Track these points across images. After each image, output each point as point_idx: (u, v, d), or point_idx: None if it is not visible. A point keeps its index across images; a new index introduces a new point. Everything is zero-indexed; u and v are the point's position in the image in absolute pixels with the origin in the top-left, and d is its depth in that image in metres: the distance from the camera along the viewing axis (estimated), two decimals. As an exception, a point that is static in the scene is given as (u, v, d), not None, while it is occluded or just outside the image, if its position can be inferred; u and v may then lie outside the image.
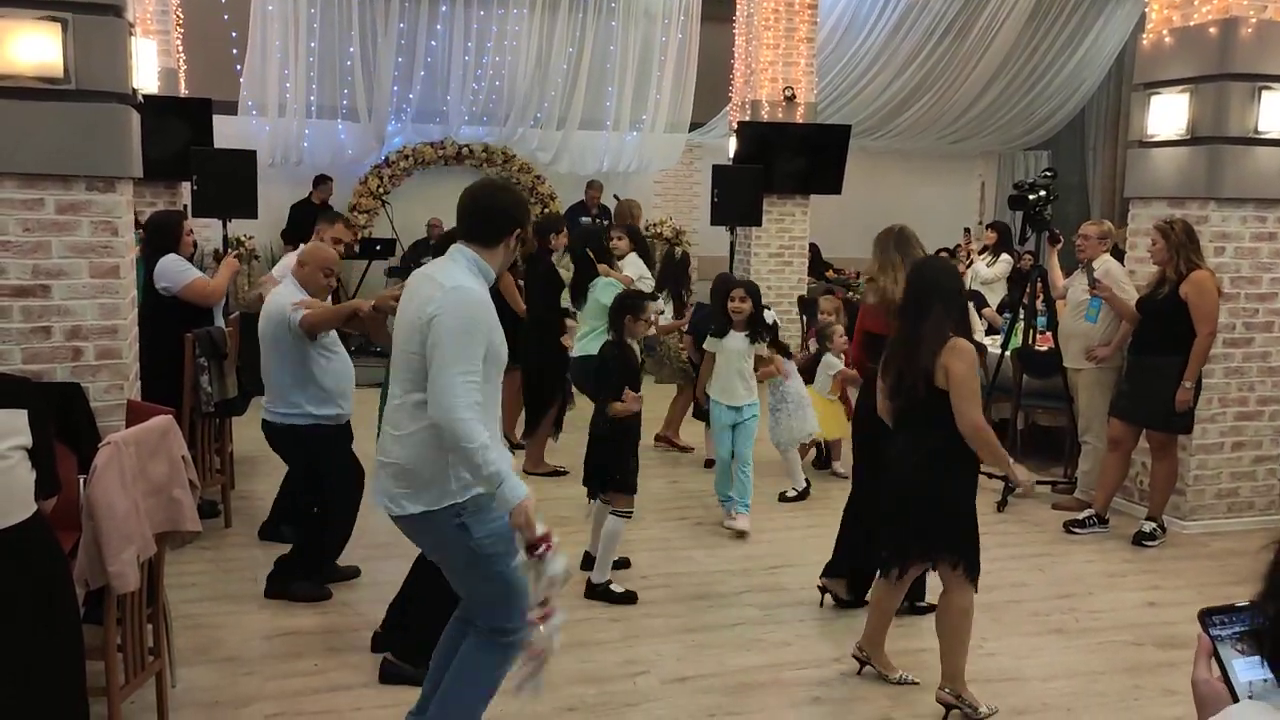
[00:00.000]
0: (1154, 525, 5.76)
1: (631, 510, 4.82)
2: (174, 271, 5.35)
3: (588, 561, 4.88)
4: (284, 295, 4.52)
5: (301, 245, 5.41)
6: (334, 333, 4.56)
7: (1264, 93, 5.64)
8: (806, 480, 6.47)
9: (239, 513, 5.63)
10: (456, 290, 2.90)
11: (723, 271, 8.31)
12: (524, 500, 2.76)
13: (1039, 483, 6.25)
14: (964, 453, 3.61)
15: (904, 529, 3.74)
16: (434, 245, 7.20)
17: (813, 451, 7.12)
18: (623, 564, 5.02)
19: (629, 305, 4.91)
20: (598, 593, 4.70)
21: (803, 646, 4.34)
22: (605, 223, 10.83)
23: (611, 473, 4.75)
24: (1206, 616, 1.27)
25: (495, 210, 3.06)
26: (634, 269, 6.86)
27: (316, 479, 4.65)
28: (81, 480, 3.21)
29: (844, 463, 6.75)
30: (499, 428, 3.08)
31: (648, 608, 4.66)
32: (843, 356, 6.52)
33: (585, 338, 6.20)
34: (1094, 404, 6.14)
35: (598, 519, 4.86)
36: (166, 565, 3.56)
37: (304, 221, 10.40)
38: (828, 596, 4.74)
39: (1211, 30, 5.65)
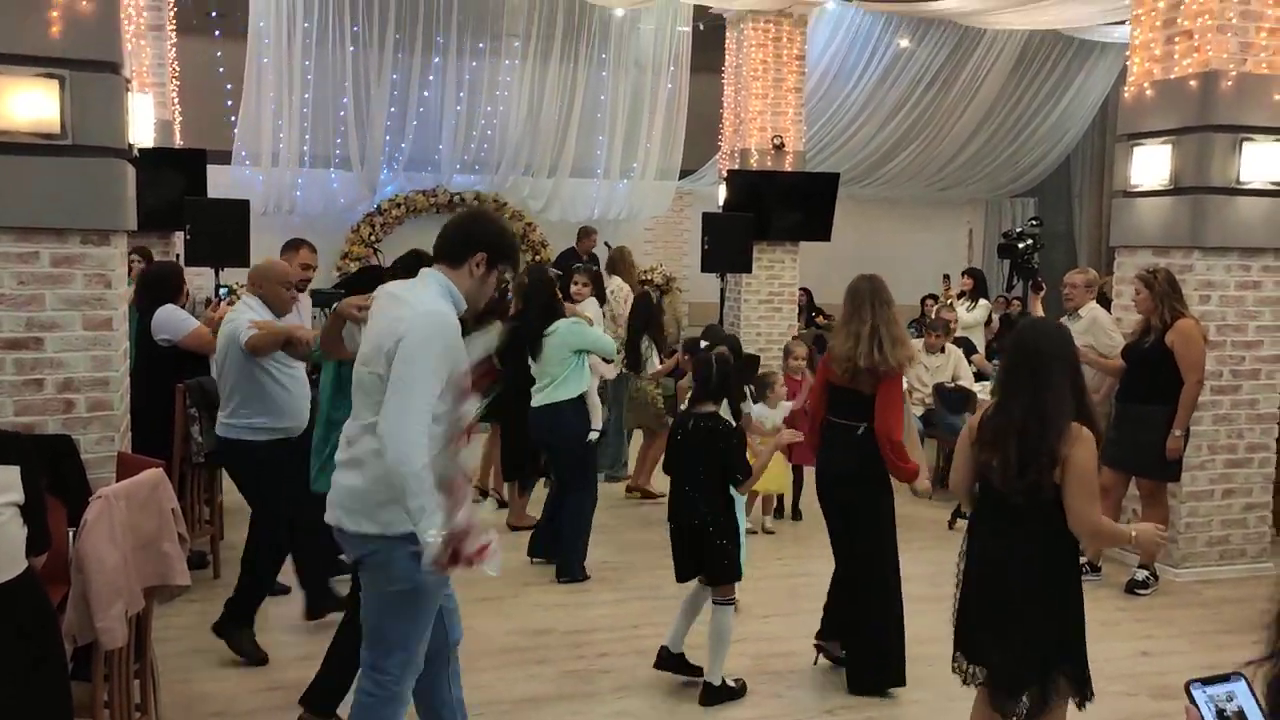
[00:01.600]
0: (1146, 573, 5.76)
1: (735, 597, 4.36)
2: (175, 322, 5.38)
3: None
4: (242, 313, 4.63)
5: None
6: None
7: (1245, 144, 5.74)
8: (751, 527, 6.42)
9: (228, 564, 5.57)
10: (429, 315, 2.87)
11: (711, 324, 8.34)
12: (437, 543, 2.71)
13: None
14: (1074, 552, 3.21)
15: (1019, 653, 3.15)
16: (394, 264, 7.07)
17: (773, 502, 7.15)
18: None
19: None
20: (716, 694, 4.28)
21: (793, 699, 4.32)
22: (595, 269, 10.90)
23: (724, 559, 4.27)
24: (1192, 687, 1.28)
25: (463, 230, 3.07)
26: (592, 311, 6.85)
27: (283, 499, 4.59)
28: (71, 533, 3.20)
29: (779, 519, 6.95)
30: (450, 459, 2.97)
31: (639, 658, 4.62)
32: (786, 406, 6.53)
33: (545, 388, 5.85)
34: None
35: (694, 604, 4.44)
36: (154, 618, 3.53)
37: None
38: (822, 656, 4.70)
39: (1192, 83, 5.76)
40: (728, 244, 9.75)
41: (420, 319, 2.85)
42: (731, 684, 4.34)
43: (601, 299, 7.08)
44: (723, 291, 10.29)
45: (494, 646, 4.81)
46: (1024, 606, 3.11)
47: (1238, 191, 5.80)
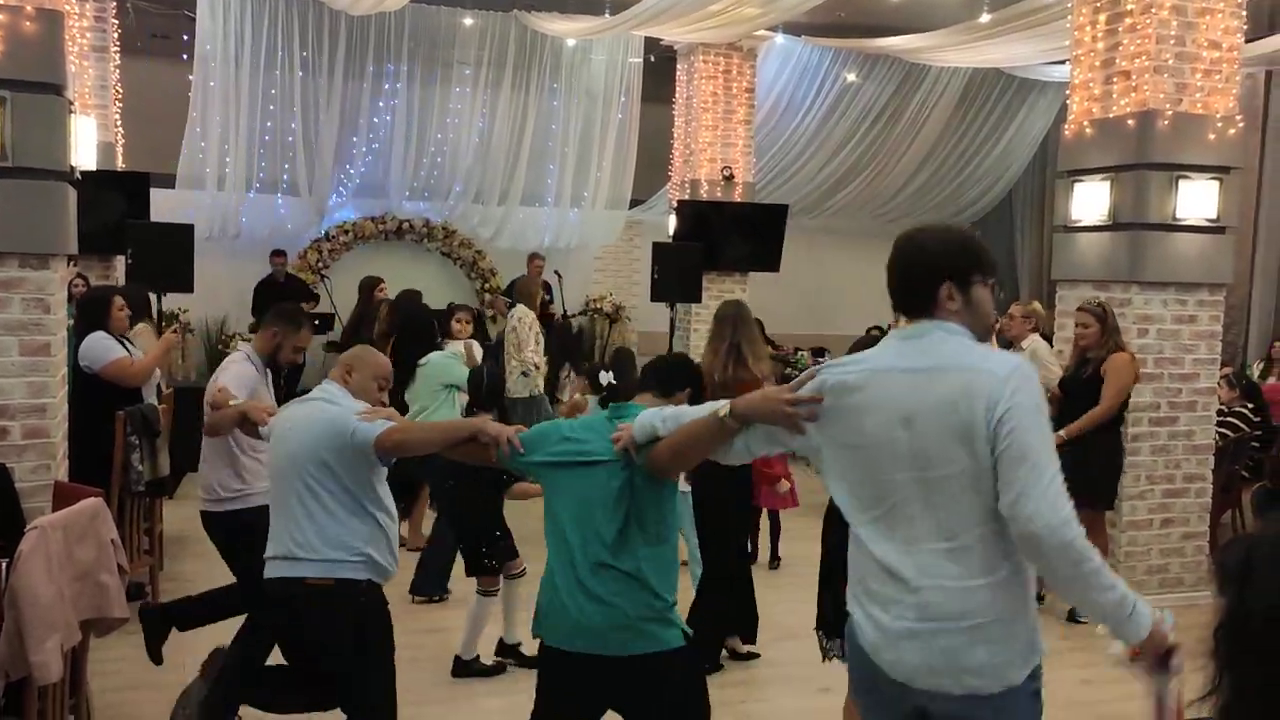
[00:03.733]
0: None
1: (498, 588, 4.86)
2: (97, 350, 5.21)
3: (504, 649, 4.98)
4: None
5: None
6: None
7: (1181, 181, 5.91)
8: None
9: (167, 594, 5.44)
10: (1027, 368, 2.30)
11: (620, 347, 8.38)
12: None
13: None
14: None
15: None
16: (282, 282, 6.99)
17: None
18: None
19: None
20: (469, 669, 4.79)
21: None
22: (547, 298, 10.90)
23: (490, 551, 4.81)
24: None
25: None
26: (475, 352, 6.84)
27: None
28: (4, 565, 3.10)
29: None
30: None
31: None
32: None
33: (415, 419, 5.87)
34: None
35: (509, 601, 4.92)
36: (90, 651, 3.43)
37: (270, 298, 10.38)
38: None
39: (1130, 122, 5.93)
40: (677, 274, 9.79)
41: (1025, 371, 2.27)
42: (487, 663, 4.81)
43: (483, 338, 7.07)
44: (673, 321, 10.32)
45: (443, 677, 4.76)
46: None
47: (1174, 228, 5.96)
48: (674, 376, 3.11)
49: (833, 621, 3.55)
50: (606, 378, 6.09)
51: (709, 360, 4.94)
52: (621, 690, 2.75)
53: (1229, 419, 7.13)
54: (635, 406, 2.85)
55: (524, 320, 8.42)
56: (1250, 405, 7.43)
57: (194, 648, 4.58)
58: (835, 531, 3.45)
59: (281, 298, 10.41)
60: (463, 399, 6.16)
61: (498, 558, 4.81)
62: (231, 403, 3.80)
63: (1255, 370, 9.53)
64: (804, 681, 4.68)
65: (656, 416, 2.65)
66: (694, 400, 2.98)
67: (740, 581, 5.02)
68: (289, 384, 6.53)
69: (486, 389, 4.79)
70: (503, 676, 4.85)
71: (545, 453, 2.85)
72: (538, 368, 7.85)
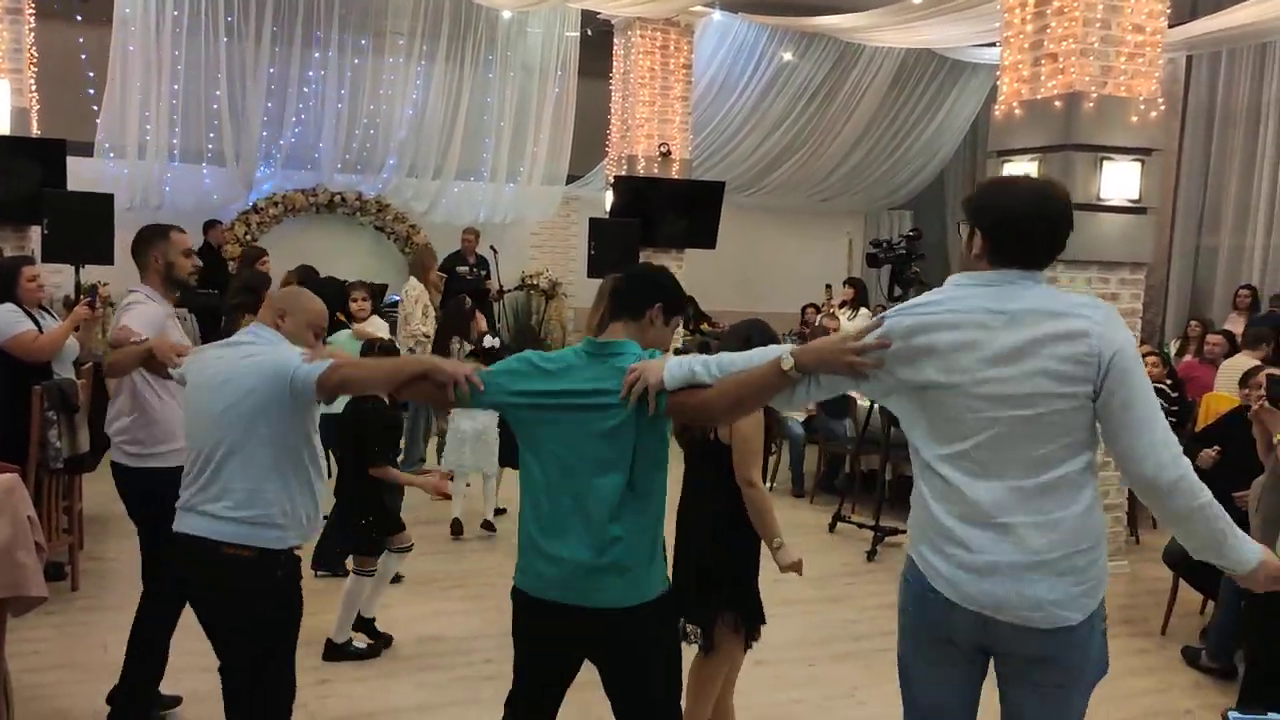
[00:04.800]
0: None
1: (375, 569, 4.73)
2: (2, 323, 4.98)
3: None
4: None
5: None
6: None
7: (1105, 162, 6.04)
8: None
9: (88, 575, 5.32)
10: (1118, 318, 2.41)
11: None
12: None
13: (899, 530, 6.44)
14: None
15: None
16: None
17: None
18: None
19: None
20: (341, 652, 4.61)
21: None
22: (483, 272, 10.81)
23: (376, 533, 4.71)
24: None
25: None
26: (378, 329, 6.83)
27: None
28: (-87, 544, 2.99)
29: None
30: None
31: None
32: None
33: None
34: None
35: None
36: (8, 632, 3.33)
37: (206, 268, 10.07)
38: None
39: (1057, 103, 6.04)
40: (614, 250, 9.78)
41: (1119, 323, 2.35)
42: (359, 645, 4.65)
43: (383, 314, 7.02)
44: (608, 297, 10.30)
45: (385, 654, 4.72)
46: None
47: (1098, 208, 6.10)
48: (640, 294, 2.70)
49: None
50: (491, 342, 6.02)
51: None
52: (598, 641, 2.65)
53: (1148, 395, 7.33)
54: (621, 343, 2.61)
55: (410, 294, 8.37)
56: (1169, 381, 7.66)
57: (116, 624, 4.49)
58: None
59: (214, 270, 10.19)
60: None
61: (374, 535, 4.69)
62: (135, 341, 3.47)
63: (1173, 349, 9.82)
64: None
65: (695, 363, 2.47)
66: (669, 310, 2.70)
67: None
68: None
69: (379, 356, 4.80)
70: (377, 660, 4.68)
71: (518, 389, 2.60)
72: (429, 337, 7.87)
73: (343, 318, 6.22)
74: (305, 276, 7.22)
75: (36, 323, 5.13)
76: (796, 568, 3.44)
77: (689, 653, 3.61)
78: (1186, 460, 2.27)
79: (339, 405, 5.47)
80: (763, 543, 3.39)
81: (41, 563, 3.26)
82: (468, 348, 6.85)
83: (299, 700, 4.16)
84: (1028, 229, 2.35)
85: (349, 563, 4.87)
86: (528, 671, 2.77)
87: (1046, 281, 2.39)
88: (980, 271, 2.37)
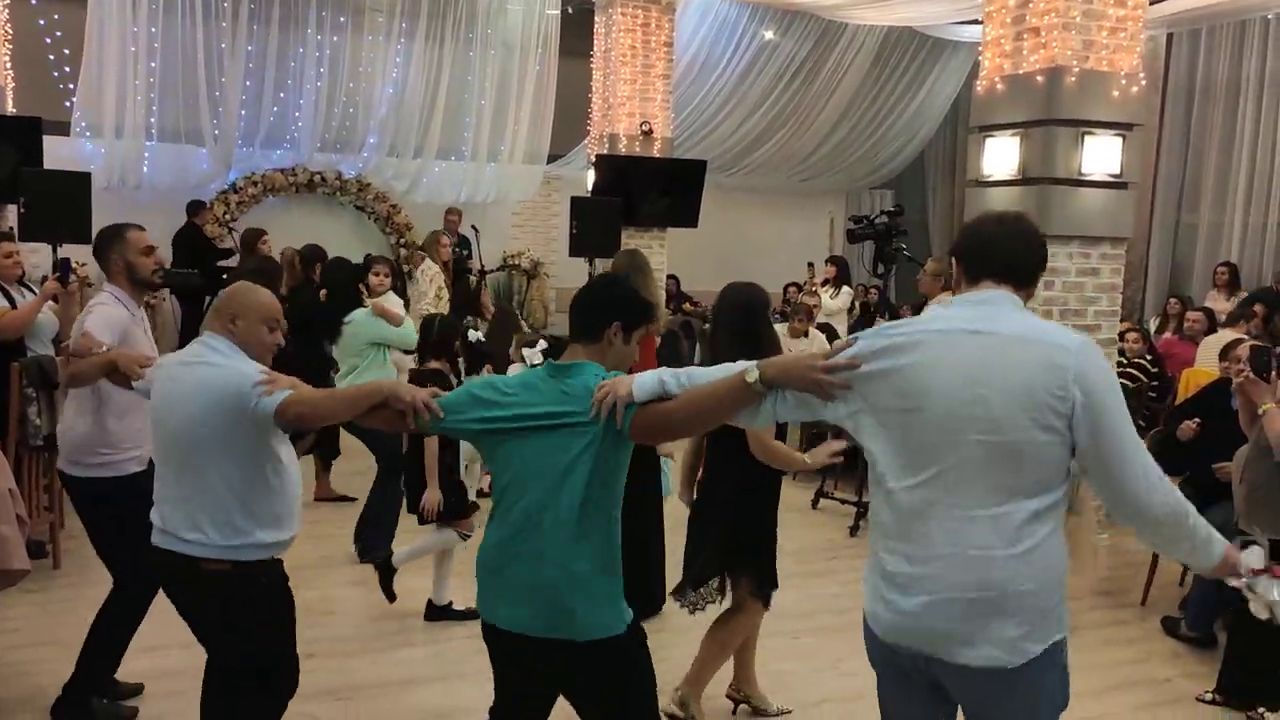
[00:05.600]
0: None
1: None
2: None
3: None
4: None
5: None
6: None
7: (1086, 137, 6.06)
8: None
9: (69, 554, 5.29)
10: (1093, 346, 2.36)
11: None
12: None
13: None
14: (754, 473, 3.83)
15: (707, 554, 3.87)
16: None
17: None
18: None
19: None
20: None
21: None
22: (465, 252, 10.75)
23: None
24: None
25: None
26: (393, 305, 6.80)
27: None
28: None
29: None
30: None
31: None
32: None
33: (346, 376, 5.85)
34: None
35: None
36: (-11, 610, 3.31)
37: (193, 249, 10.02)
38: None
39: (1039, 78, 6.05)
40: (596, 229, 9.73)
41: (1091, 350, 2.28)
42: (458, 608, 4.81)
43: (402, 291, 7.01)
44: (591, 276, 10.29)
45: (365, 631, 4.71)
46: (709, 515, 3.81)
47: (1079, 183, 6.12)
48: (594, 314, 2.65)
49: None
50: (475, 335, 6.04)
51: None
52: (567, 674, 2.59)
53: (1129, 369, 7.39)
54: (580, 365, 2.57)
55: (425, 274, 8.37)
56: (1149, 357, 7.72)
57: (98, 602, 4.46)
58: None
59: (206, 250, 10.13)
60: (395, 355, 6.18)
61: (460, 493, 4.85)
62: (97, 350, 3.28)
63: (1152, 325, 9.89)
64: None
65: (664, 374, 2.43)
66: (629, 326, 2.65)
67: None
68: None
69: (438, 332, 4.99)
70: (429, 627, 4.79)
71: (476, 417, 2.57)
72: None
73: (363, 289, 6.23)
74: (312, 255, 7.17)
75: (12, 300, 5.08)
76: (825, 452, 3.77)
77: (708, 616, 3.77)
78: (1170, 482, 2.24)
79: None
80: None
81: (24, 536, 3.23)
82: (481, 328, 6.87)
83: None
84: (995, 239, 2.36)
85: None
86: (502, 692, 2.75)
87: (1033, 312, 2.36)
88: (962, 294, 2.36)
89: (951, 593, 2.21)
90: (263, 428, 2.79)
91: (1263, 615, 2.44)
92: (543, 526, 2.50)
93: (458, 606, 4.86)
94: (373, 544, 5.50)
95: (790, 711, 4.06)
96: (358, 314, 5.92)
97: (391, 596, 4.81)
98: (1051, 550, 2.24)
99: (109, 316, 3.56)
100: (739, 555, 3.75)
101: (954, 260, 2.41)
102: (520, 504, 2.52)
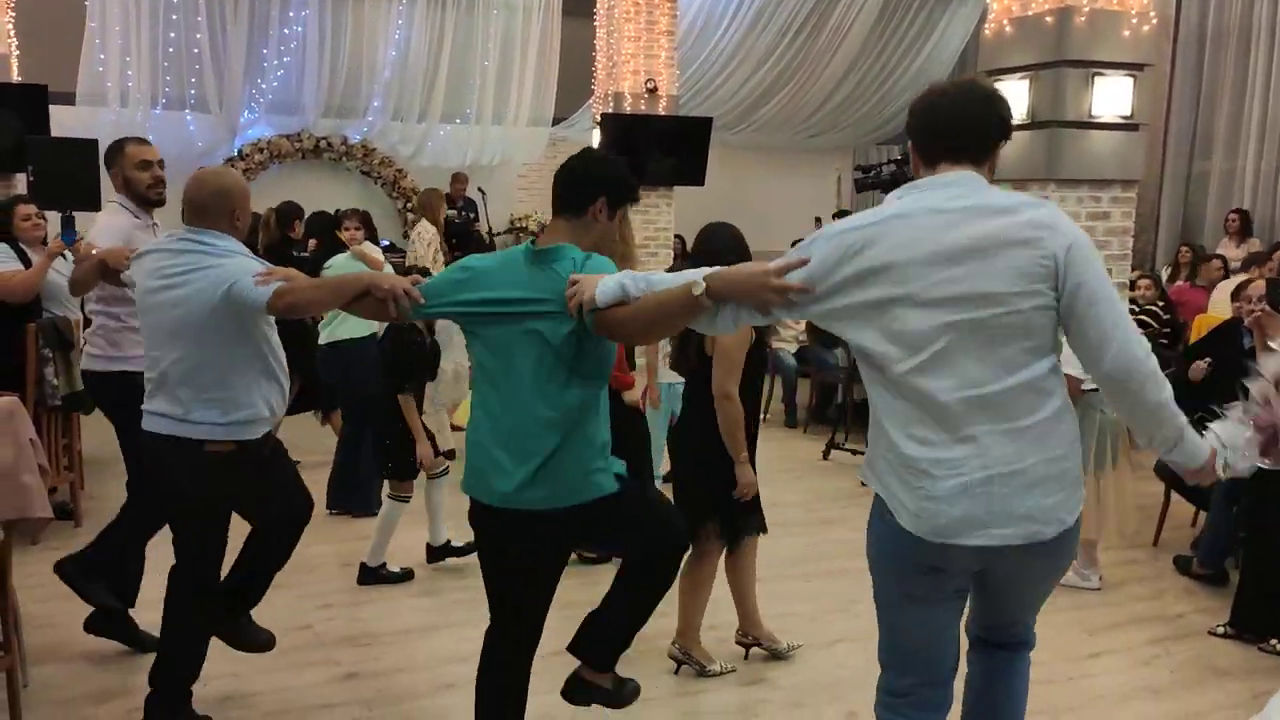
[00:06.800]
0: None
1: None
2: None
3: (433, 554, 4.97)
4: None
5: None
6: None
7: (1097, 78, 6.00)
8: None
9: (89, 514, 5.34)
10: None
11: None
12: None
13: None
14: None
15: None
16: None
17: None
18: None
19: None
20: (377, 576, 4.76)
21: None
22: (471, 215, 10.75)
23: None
24: None
25: None
26: (373, 251, 6.78)
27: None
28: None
29: None
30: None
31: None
32: None
33: (330, 324, 5.80)
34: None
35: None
36: (14, 567, 3.35)
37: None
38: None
39: (1048, 19, 5.99)
40: (603, 188, 9.70)
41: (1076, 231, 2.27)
42: (392, 570, 4.75)
43: (375, 241, 6.99)
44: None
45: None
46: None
47: (1090, 125, 6.06)
48: (581, 187, 2.67)
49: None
50: None
51: None
52: (563, 539, 2.72)
53: (1141, 316, 7.37)
54: (559, 249, 2.59)
55: (422, 237, 8.30)
56: (1161, 304, 7.69)
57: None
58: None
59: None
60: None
61: (395, 458, 4.75)
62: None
63: (1164, 274, 9.84)
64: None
65: (625, 278, 2.41)
66: (614, 203, 2.69)
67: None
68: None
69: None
70: (436, 577, 4.85)
71: (454, 300, 2.66)
72: None
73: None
74: (289, 211, 7.17)
75: (29, 264, 5.11)
76: (749, 489, 3.61)
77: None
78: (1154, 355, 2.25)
79: (343, 334, 5.50)
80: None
81: (46, 485, 3.28)
82: None
83: (305, 621, 4.25)
84: (946, 113, 2.29)
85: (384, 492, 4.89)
86: (495, 585, 2.81)
87: (1007, 187, 2.38)
88: (947, 172, 2.29)
89: (987, 470, 2.17)
90: (257, 314, 2.99)
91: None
92: (523, 403, 2.58)
93: (457, 544, 4.90)
94: (347, 502, 5.64)
95: (800, 646, 4.10)
96: (337, 259, 5.89)
97: (457, 552, 4.90)
98: (1065, 416, 2.25)
99: (111, 224, 3.71)
100: (701, 506, 3.68)
101: (911, 145, 2.36)
102: (503, 383, 2.61)
